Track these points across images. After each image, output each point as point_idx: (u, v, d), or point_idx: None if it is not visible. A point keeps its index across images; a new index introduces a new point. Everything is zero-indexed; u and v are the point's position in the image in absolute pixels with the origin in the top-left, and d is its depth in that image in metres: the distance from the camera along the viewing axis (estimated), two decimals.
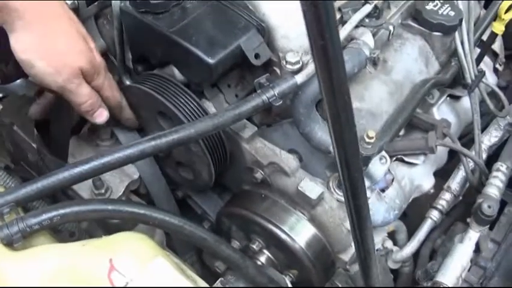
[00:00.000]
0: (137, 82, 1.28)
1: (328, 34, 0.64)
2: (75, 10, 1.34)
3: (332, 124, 0.75)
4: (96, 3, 1.37)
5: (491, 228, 1.52)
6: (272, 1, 1.23)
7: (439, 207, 1.54)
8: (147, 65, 1.34)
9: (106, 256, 0.93)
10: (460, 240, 1.45)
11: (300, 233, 1.27)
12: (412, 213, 1.60)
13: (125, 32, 1.33)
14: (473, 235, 1.43)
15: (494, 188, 1.44)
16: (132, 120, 1.34)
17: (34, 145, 1.13)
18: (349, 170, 0.80)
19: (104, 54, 1.45)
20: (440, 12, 1.42)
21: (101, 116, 1.24)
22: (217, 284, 1.17)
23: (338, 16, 1.34)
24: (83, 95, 1.18)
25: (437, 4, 1.43)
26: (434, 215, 1.54)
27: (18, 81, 1.20)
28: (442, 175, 1.59)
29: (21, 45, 1.11)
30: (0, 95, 1.25)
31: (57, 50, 1.13)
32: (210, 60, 1.16)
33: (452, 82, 1.54)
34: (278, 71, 1.24)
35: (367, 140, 1.20)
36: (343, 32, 1.24)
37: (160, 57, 1.28)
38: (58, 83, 1.14)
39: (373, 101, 1.33)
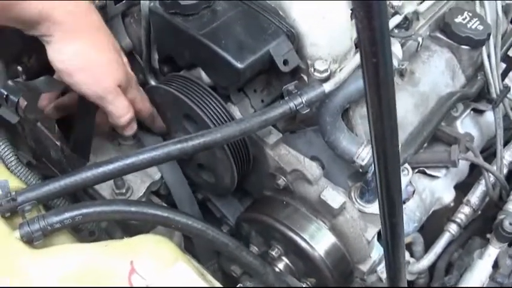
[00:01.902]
0: (164, 83, 1.27)
1: (382, 53, 0.63)
2: (103, 8, 1.34)
3: (375, 141, 0.74)
4: (124, 1, 1.37)
5: (510, 245, 1.51)
6: (303, 7, 1.22)
7: (458, 220, 1.54)
8: (173, 66, 1.34)
9: (127, 258, 0.94)
10: (480, 256, 1.44)
11: (320, 241, 1.26)
12: (429, 225, 1.60)
13: (152, 32, 1.33)
14: (492, 251, 1.42)
15: None
16: (163, 127, 1.34)
17: (58, 143, 1.12)
18: (389, 190, 0.79)
19: (130, 53, 1.45)
20: (469, 25, 1.42)
21: (132, 129, 1.26)
22: None
23: None
24: (121, 107, 1.19)
25: (466, 17, 1.43)
26: (453, 228, 1.53)
27: (42, 78, 1.19)
28: (461, 188, 1.59)
29: (61, 56, 1.11)
30: None
31: (97, 61, 1.14)
32: (239, 65, 1.15)
33: (476, 96, 1.54)
34: (306, 78, 1.23)
35: None
36: None
37: (187, 59, 1.27)
38: (98, 94, 1.15)
39: (399, 112, 1.31)
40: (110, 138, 1.36)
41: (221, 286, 1.04)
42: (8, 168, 1.12)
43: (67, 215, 0.97)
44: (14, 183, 1.05)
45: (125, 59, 1.24)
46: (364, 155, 1.23)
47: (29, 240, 0.94)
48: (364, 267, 1.30)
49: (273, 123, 1.15)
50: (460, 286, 1.42)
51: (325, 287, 1.29)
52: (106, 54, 1.16)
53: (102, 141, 1.35)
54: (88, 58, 1.12)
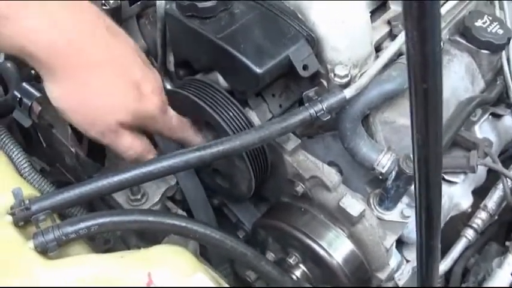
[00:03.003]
0: (182, 87, 1.24)
1: (433, 79, 0.60)
2: (117, 9, 1.32)
3: (418, 168, 0.72)
4: (139, 2, 1.35)
5: None
6: (322, 11, 1.20)
7: (475, 226, 1.51)
8: (189, 70, 1.31)
9: (144, 269, 0.91)
10: (499, 265, 1.42)
11: (338, 249, 1.24)
12: (445, 229, 1.58)
13: (168, 35, 1.30)
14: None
15: None
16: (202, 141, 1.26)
17: (72, 149, 1.10)
18: (430, 220, 0.77)
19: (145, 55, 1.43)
20: (489, 30, 1.39)
21: (146, 157, 1.13)
22: None
23: (387, 29, 1.31)
24: (122, 146, 1.08)
25: (486, 21, 1.40)
26: (470, 233, 1.51)
27: None
28: (478, 192, 1.56)
29: (51, 94, 1.00)
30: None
31: (91, 104, 1.01)
32: (258, 70, 1.13)
33: (496, 101, 1.52)
34: (325, 83, 1.21)
35: None
36: (393, 47, 1.21)
37: (204, 63, 1.25)
38: (92, 135, 1.05)
39: None
40: None
41: None
42: (22, 175, 1.10)
43: (82, 225, 0.95)
44: (28, 191, 1.03)
45: (149, 88, 1.07)
46: (384, 162, 1.21)
47: (44, 251, 0.92)
48: (382, 275, 1.28)
49: (293, 130, 1.13)
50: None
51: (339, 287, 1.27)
52: (104, 94, 1.02)
53: None
54: (81, 99, 1.00)
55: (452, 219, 1.51)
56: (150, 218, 1.00)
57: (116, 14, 1.33)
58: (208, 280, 0.95)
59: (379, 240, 1.24)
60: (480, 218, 1.53)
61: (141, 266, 0.93)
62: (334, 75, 1.18)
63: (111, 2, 1.30)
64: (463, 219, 1.59)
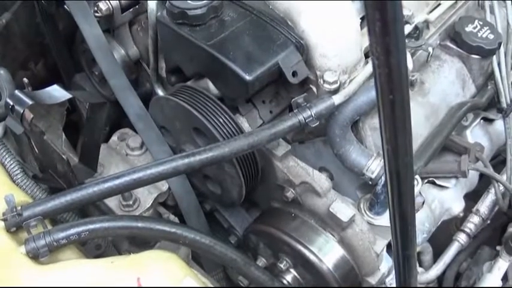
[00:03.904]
0: (174, 94, 1.25)
1: (399, 90, 0.61)
2: (109, 16, 1.33)
3: (390, 176, 0.72)
4: (131, 10, 1.36)
5: None
6: (312, 18, 1.21)
7: (467, 230, 1.52)
8: (181, 76, 1.32)
9: (134, 275, 0.93)
10: (489, 269, 1.42)
11: (328, 254, 1.24)
12: (438, 233, 1.58)
13: (159, 42, 1.31)
14: (502, 264, 1.42)
15: None
16: None
17: (64, 156, 1.11)
18: (404, 226, 0.78)
19: (137, 62, 1.44)
20: (479, 34, 1.40)
21: None
22: None
23: None
24: None
25: (476, 26, 1.41)
26: (462, 238, 1.52)
27: (49, 88, 1.16)
28: (470, 196, 1.57)
29: None
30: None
31: None
32: (247, 77, 1.13)
33: (488, 105, 1.52)
34: (315, 89, 1.22)
35: None
36: None
37: (195, 70, 1.26)
38: None
39: None
40: (117, 148, 1.35)
41: None
42: (14, 181, 1.11)
43: (73, 231, 0.96)
44: (20, 197, 1.04)
45: None
46: (373, 167, 1.22)
47: (35, 256, 0.94)
48: (373, 280, 1.29)
49: (282, 136, 1.14)
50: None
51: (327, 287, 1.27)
52: None
53: (110, 152, 1.34)
54: None
55: (445, 223, 1.51)
56: (140, 224, 1.01)
57: (108, 21, 1.34)
58: (196, 285, 0.96)
59: (370, 245, 1.24)
60: (473, 223, 1.53)
61: (131, 271, 0.94)
62: (324, 81, 1.19)
63: (103, 9, 1.32)
64: (456, 223, 1.60)
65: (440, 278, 1.57)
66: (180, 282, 0.95)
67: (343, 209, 1.20)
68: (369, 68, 1.20)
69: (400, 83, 0.61)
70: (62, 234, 0.95)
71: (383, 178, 1.20)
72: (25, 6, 1.57)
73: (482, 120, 1.56)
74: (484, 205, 1.55)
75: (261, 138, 1.09)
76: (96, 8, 1.32)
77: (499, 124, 1.57)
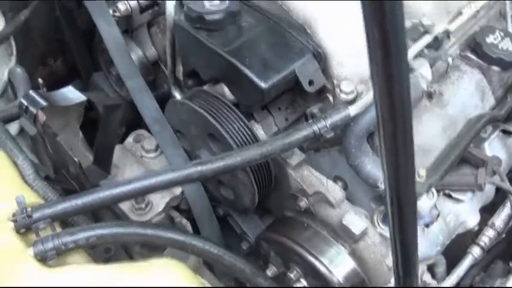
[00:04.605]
0: (190, 99, 1.25)
1: (401, 120, 0.60)
2: (128, 17, 1.33)
3: (391, 211, 0.71)
4: (149, 11, 1.36)
5: None
6: (330, 26, 1.20)
7: (482, 243, 1.50)
8: (197, 80, 1.32)
9: (141, 281, 0.94)
10: (502, 284, 1.41)
11: (338, 266, 1.24)
12: (452, 245, 1.57)
13: (177, 45, 1.31)
14: None
15: None
16: None
17: (76, 159, 1.11)
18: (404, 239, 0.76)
19: (155, 63, 1.44)
20: (500, 46, 1.38)
21: None
22: None
23: None
24: None
25: (497, 37, 1.39)
26: (476, 251, 1.49)
27: (64, 89, 1.16)
28: (486, 209, 1.55)
29: None
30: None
31: None
32: (263, 85, 1.13)
33: (507, 118, 1.50)
34: (331, 98, 1.21)
35: (417, 179, 1.16)
36: None
37: (211, 75, 1.25)
38: None
39: (426, 136, 1.30)
40: (132, 150, 1.35)
41: None
42: (26, 182, 1.11)
43: (81, 235, 0.97)
44: (31, 198, 1.05)
45: None
46: None
47: (43, 259, 0.94)
48: None
49: (296, 146, 1.14)
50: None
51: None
52: None
53: (124, 153, 1.34)
54: None
55: (460, 236, 1.49)
56: (149, 232, 1.02)
57: (126, 22, 1.34)
58: None
59: (382, 258, 1.23)
60: (488, 236, 1.51)
61: (138, 278, 0.95)
62: (340, 90, 1.18)
63: (122, 10, 1.31)
64: (471, 236, 1.58)
65: None
66: None
67: (355, 221, 1.19)
68: None
69: (403, 115, 0.59)
70: (70, 238, 0.96)
71: None
72: (45, 2, 1.57)
73: (501, 133, 1.54)
74: (500, 219, 1.52)
75: (274, 148, 1.08)
76: (115, 8, 1.32)
77: None
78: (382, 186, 1.21)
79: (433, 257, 1.41)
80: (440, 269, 1.54)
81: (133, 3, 1.33)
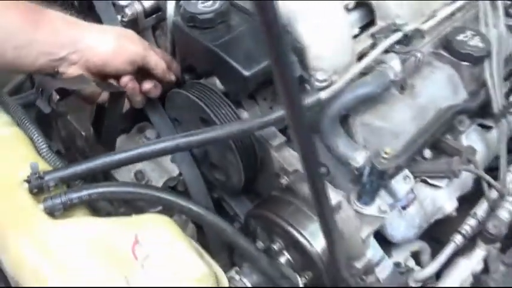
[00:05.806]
0: (184, 89, 1.42)
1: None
2: (134, 21, 1.51)
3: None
4: (154, 16, 1.53)
5: (502, 251, 1.58)
6: (307, 23, 1.35)
7: (463, 232, 1.59)
8: (194, 75, 1.49)
9: (133, 231, 1.10)
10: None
11: (317, 238, 1.35)
12: (440, 236, 1.67)
13: (175, 44, 1.48)
14: (478, 253, 1.51)
15: (506, 211, 1.50)
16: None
17: (83, 133, 1.29)
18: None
19: None
20: (469, 43, 1.51)
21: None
22: (232, 272, 1.28)
23: (371, 41, 1.45)
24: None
25: (467, 36, 1.52)
26: (458, 239, 1.59)
27: (76, 75, 1.32)
28: (470, 200, 1.65)
29: None
30: None
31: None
32: (246, 73, 1.29)
33: (484, 113, 1.61)
34: (308, 87, 1.36)
35: (384, 155, 1.29)
36: (371, 56, 1.36)
37: (204, 68, 1.42)
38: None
39: (396, 121, 1.42)
40: (135, 138, 1.52)
41: (218, 267, 1.17)
42: (40, 154, 1.28)
43: (85, 192, 1.14)
44: (43, 166, 1.21)
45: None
46: (359, 158, 1.34)
47: (51, 212, 1.11)
48: (359, 264, 1.38)
49: (272, 125, 1.28)
50: (439, 286, 1.49)
51: (322, 287, 1.38)
52: None
53: (128, 141, 1.51)
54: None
55: (448, 228, 1.60)
56: (141, 190, 1.19)
57: (133, 26, 1.52)
58: (187, 245, 1.11)
59: (355, 230, 1.35)
60: (469, 225, 1.61)
61: (130, 228, 1.11)
62: (315, 80, 1.33)
63: (129, 14, 1.49)
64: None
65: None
66: (173, 241, 1.11)
67: (329, 195, 1.32)
68: (355, 69, 1.34)
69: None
70: (75, 195, 1.13)
71: (368, 168, 1.31)
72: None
73: (480, 127, 1.64)
74: (481, 208, 1.62)
75: (252, 125, 1.24)
76: (122, 13, 1.49)
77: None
78: (352, 163, 1.34)
79: (411, 238, 1.52)
80: (425, 257, 1.64)
81: (139, 8, 1.50)
